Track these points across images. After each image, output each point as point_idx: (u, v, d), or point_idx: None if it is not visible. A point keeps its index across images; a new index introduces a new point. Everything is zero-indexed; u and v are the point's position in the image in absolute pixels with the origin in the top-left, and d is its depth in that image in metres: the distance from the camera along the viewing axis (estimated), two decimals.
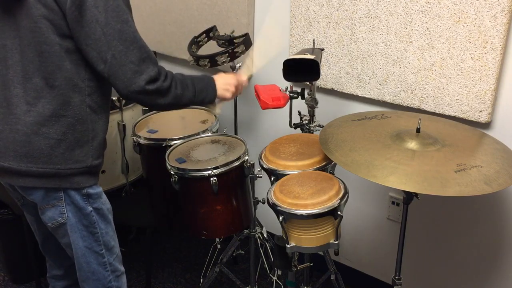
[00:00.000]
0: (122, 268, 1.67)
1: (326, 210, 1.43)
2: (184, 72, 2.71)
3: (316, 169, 1.63)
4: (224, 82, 1.65)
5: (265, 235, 2.15)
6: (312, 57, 1.64)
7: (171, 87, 1.46)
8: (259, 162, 1.73)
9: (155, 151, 1.93)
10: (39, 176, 1.44)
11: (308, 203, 1.43)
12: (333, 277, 2.08)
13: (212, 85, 1.61)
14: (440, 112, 1.81)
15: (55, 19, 1.34)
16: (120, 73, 1.38)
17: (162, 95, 1.45)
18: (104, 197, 1.58)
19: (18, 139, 1.41)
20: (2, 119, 1.43)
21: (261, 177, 1.78)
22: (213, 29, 2.14)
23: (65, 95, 1.40)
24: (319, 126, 1.87)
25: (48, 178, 1.44)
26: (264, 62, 1.90)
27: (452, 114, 1.79)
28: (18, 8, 1.37)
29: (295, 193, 1.47)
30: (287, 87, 1.84)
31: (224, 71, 2.16)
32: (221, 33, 2.12)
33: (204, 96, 1.58)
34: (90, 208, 1.52)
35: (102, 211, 1.55)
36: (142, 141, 1.93)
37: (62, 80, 1.39)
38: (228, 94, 1.67)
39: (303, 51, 1.75)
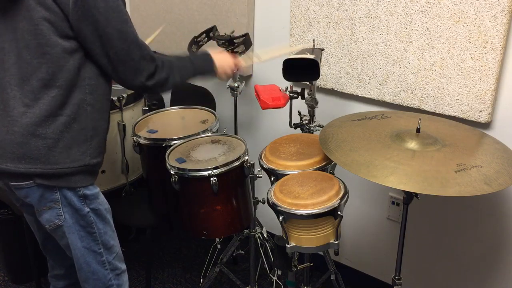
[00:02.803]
0: (123, 266, 1.67)
1: (326, 210, 1.43)
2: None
3: (316, 169, 1.63)
4: (221, 57, 1.70)
5: (265, 235, 2.15)
6: (312, 57, 1.64)
7: (169, 77, 1.53)
8: (259, 162, 1.73)
9: (155, 151, 1.93)
10: (38, 177, 1.44)
11: (308, 203, 1.43)
12: (333, 277, 2.08)
13: (209, 58, 1.67)
14: (440, 112, 1.81)
15: (57, 21, 1.35)
16: (122, 70, 1.45)
17: (162, 85, 1.54)
18: (102, 197, 1.58)
19: (15, 140, 1.41)
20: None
21: (261, 177, 1.78)
22: (213, 29, 2.14)
23: (64, 95, 1.41)
24: (319, 126, 1.87)
25: (47, 178, 1.44)
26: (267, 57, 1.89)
27: (452, 114, 1.79)
28: (15, 10, 1.37)
29: (295, 193, 1.47)
30: (287, 87, 1.84)
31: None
32: (221, 33, 2.12)
33: (203, 70, 1.66)
34: (87, 209, 1.52)
35: (100, 211, 1.55)
36: (142, 141, 1.92)
37: (63, 81, 1.40)
38: (229, 69, 1.72)
39: (303, 51, 1.75)
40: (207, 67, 1.66)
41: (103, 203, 1.57)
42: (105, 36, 1.38)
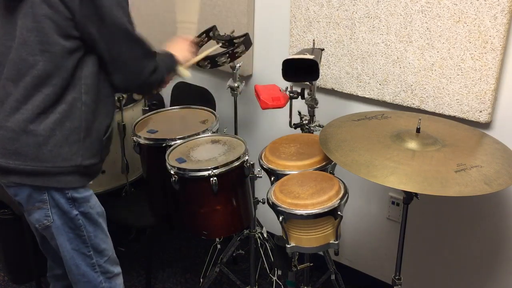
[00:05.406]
0: (116, 270, 1.65)
1: (326, 210, 1.43)
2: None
3: (316, 169, 1.63)
4: (179, 48, 1.79)
5: (265, 235, 2.15)
6: (311, 57, 1.64)
7: (164, 74, 1.59)
8: (259, 162, 1.73)
9: (155, 151, 1.93)
10: (27, 174, 1.43)
11: (308, 203, 1.43)
12: (333, 277, 2.08)
13: (171, 55, 1.72)
14: (440, 112, 1.81)
15: (59, 20, 1.36)
16: (125, 68, 1.47)
17: (160, 82, 1.60)
18: (94, 201, 1.56)
19: (7, 136, 1.41)
20: None
21: (261, 177, 1.78)
22: (213, 29, 2.14)
23: (58, 93, 1.41)
24: (319, 126, 1.87)
25: (36, 176, 1.43)
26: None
27: (452, 114, 1.79)
28: (17, 6, 1.38)
29: (295, 193, 1.47)
30: (287, 87, 1.84)
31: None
32: (221, 33, 2.12)
33: (171, 66, 1.70)
34: (75, 212, 1.50)
35: (90, 215, 1.53)
36: (142, 141, 1.92)
37: (59, 80, 1.40)
38: (188, 54, 1.81)
39: (303, 51, 1.75)
40: (173, 63, 1.70)
41: (94, 207, 1.55)
42: (110, 34, 1.40)
